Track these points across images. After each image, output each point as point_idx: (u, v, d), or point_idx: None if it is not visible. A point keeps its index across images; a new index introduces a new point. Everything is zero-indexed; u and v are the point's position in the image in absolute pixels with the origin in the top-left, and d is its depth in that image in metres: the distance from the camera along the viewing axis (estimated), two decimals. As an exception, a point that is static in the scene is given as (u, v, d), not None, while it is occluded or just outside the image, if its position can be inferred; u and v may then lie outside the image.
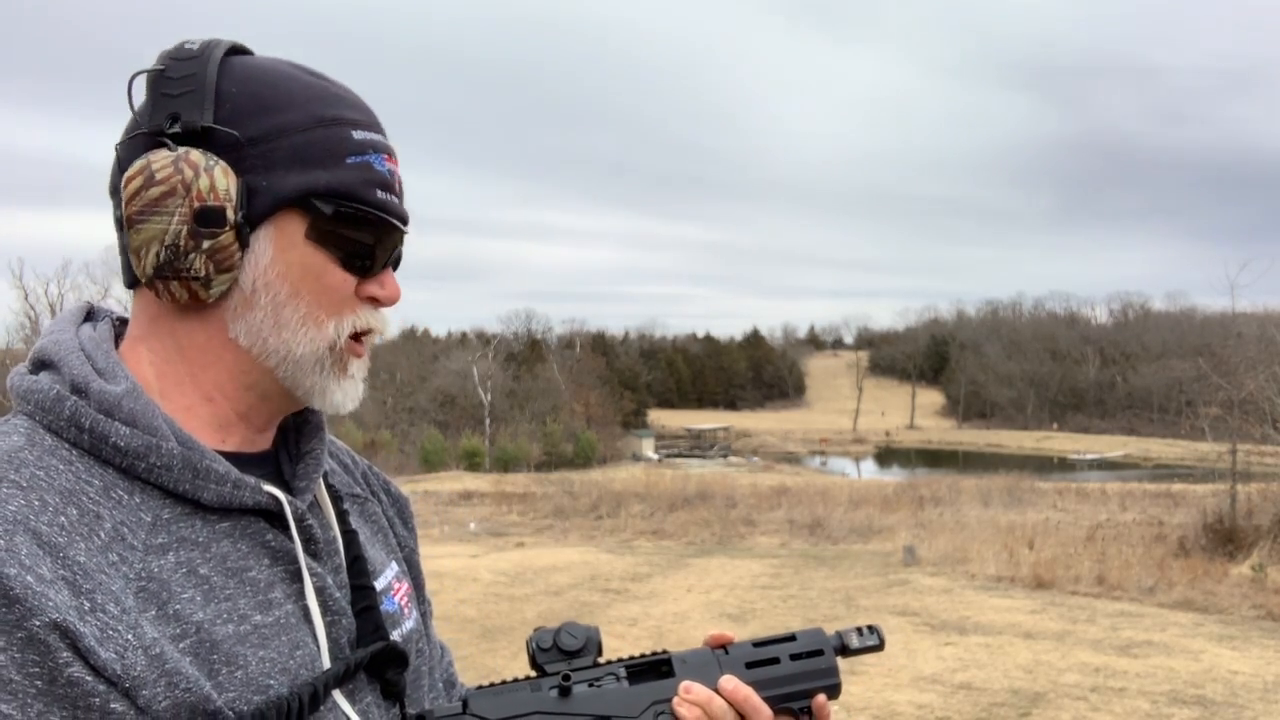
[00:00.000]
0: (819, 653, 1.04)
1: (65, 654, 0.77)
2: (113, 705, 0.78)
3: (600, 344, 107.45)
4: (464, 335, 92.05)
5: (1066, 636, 10.15)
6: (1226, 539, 15.30)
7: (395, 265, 1.03)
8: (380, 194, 0.96)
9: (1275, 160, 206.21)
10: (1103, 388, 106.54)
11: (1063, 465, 60.56)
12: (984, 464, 52.97)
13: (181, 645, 0.84)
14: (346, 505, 1.10)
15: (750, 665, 1.02)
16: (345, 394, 1.00)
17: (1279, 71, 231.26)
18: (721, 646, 1.03)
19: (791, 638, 1.05)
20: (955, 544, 17.19)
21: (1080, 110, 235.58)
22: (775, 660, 1.02)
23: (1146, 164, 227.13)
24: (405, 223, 1.00)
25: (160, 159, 0.90)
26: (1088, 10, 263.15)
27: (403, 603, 1.09)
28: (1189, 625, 10.78)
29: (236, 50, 0.97)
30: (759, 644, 1.04)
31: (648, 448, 66.08)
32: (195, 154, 0.91)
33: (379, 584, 1.05)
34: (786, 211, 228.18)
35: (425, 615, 1.19)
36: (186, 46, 0.94)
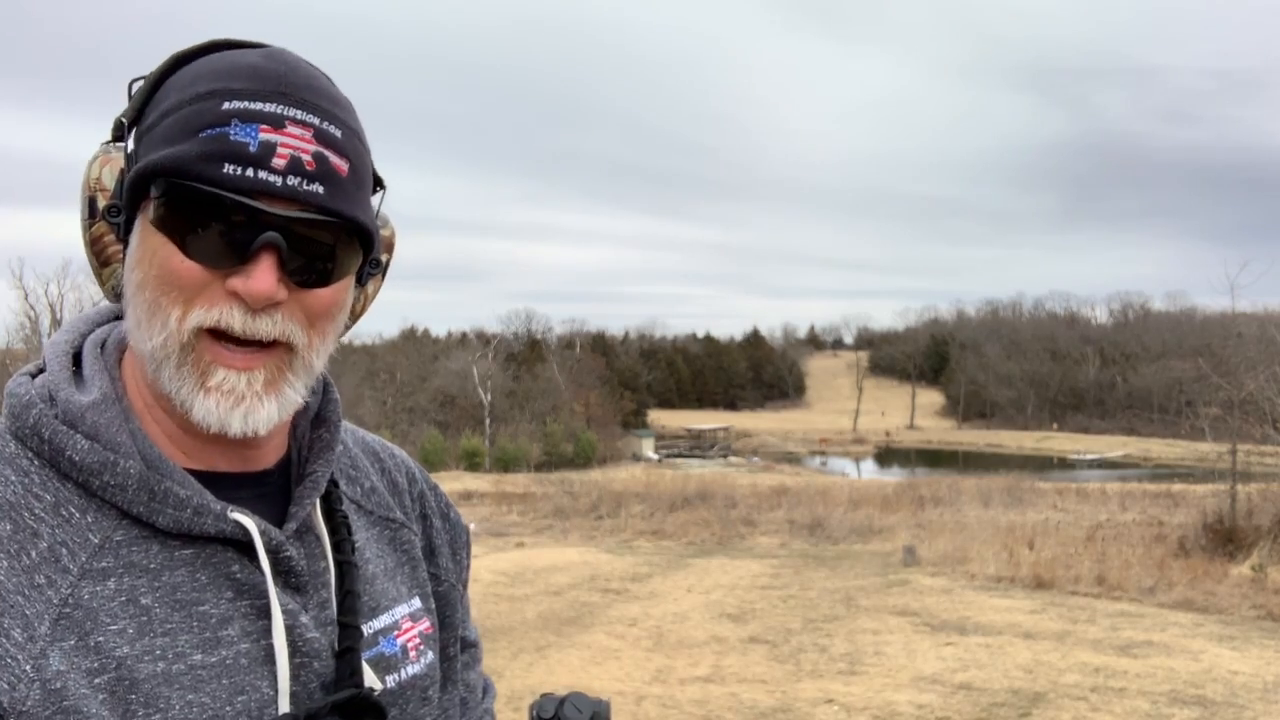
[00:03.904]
0: None
1: None
2: None
3: (600, 344, 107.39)
4: (464, 335, 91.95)
5: (1066, 636, 10.14)
6: (1226, 539, 15.30)
7: (328, 259, 0.85)
8: (227, 168, 0.79)
9: (1275, 160, 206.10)
10: (1103, 388, 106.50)
11: (1063, 465, 60.59)
12: (984, 464, 52.94)
13: (97, 681, 0.77)
14: (361, 531, 1.01)
15: None
16: (211, 412, 0.83)
17: (1279, 72, 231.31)
18: None
19: None
20: (955, 544, 17.18)
21: (1081, 111, 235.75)
22: None
23: (1146, 164, 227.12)
24: (277, 198, 0.80)
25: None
26: (1088, 11, 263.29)
27: (410, 645, 0.99)
28: (1189, 625, 10.78)
29: (231, 45, 0.88)
30: None
31: (648, 448, 66.06)
32: (111, 150, 0.88)
33: (381, 622, 0.97)
34: (786, 211, 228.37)
35: (452, 657, 1.09)
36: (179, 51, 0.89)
